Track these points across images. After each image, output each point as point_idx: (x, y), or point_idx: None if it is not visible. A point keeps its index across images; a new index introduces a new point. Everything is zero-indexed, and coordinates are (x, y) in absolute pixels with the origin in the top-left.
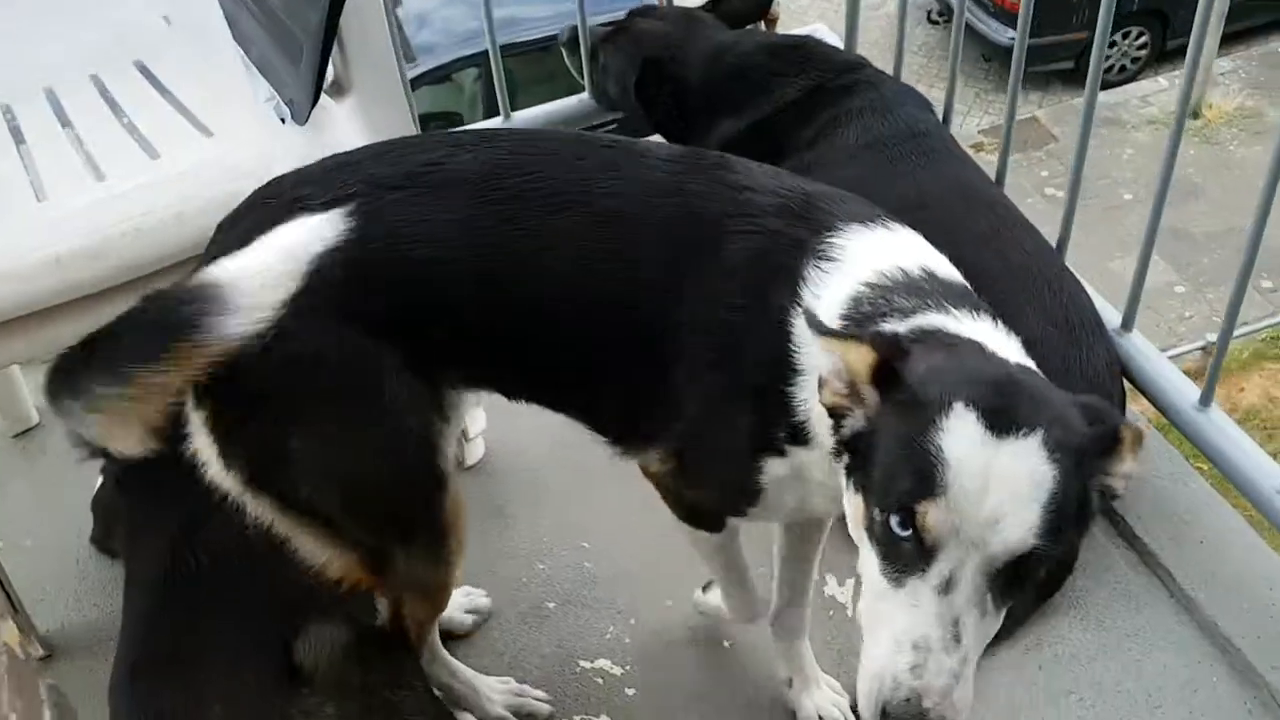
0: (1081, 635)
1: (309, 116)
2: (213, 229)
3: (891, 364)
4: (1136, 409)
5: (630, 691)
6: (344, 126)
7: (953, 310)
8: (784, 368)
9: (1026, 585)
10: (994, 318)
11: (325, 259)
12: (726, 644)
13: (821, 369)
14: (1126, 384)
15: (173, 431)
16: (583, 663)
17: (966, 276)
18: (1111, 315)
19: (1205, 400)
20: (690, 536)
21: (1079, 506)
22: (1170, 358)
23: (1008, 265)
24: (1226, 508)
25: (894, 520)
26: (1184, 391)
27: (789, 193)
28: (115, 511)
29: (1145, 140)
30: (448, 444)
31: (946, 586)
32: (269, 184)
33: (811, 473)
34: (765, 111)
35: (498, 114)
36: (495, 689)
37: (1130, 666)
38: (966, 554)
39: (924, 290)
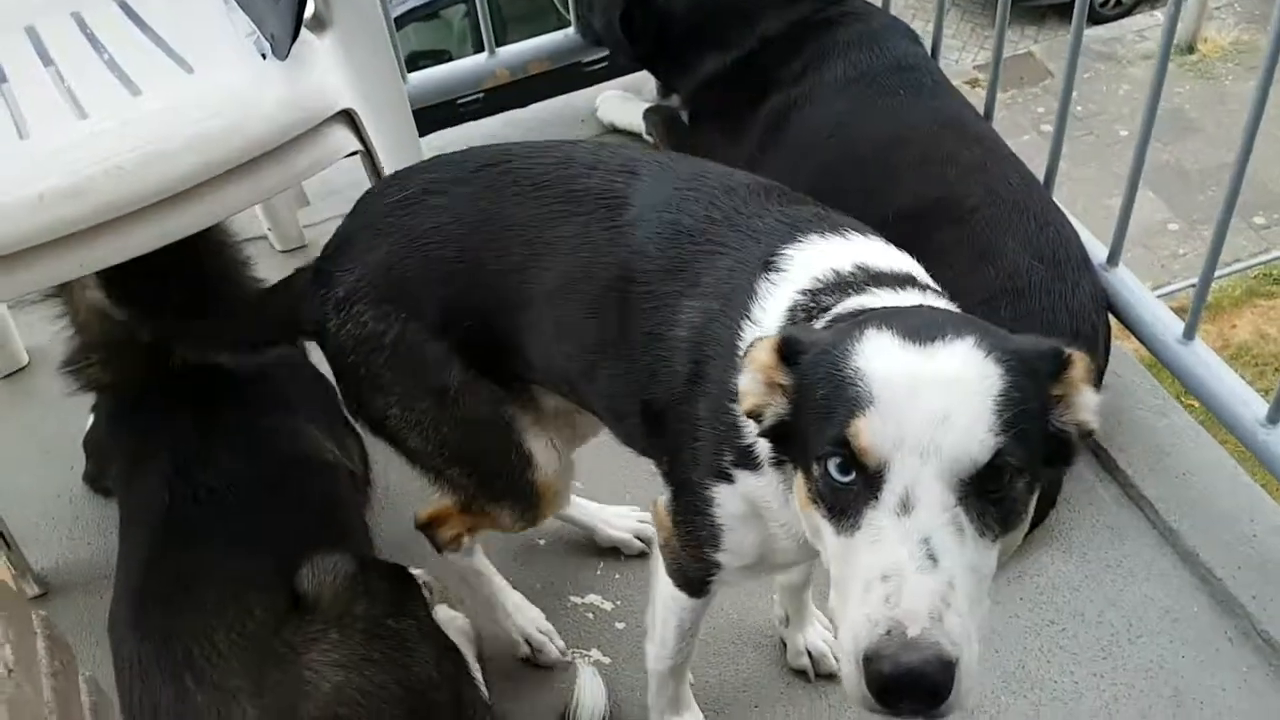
0: (1064, 566)
1: (289, 51)
2: (198, 165)
3: (793, 337)
4: (1123, 344)
5: (620, 625)
6: (325, 62)
7: (874, 291)
8: (732, 385)
9: (1006, 502)
10: (924, 291)
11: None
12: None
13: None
14: (1112, 319)
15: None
16: (573, 598)
17: (952, 209)
18: (1098, 250)
19: (1189, 334)
20: (666, 595)
21: (1053, 436)
22: (1162, 295)
23: (995, 198)
24: (1209, 440)
25: (832, 466)
26: (1168, 325)
27: (768, 210)
28: (107, 450)
29: (1141, 75)
30: (536, 426)
31: (904, 506)
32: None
33: (769, 505)
34: (751, 45)
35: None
36: (524, 611)
37: (1112, 597)
38: (920, 464)
39: (850, 283)
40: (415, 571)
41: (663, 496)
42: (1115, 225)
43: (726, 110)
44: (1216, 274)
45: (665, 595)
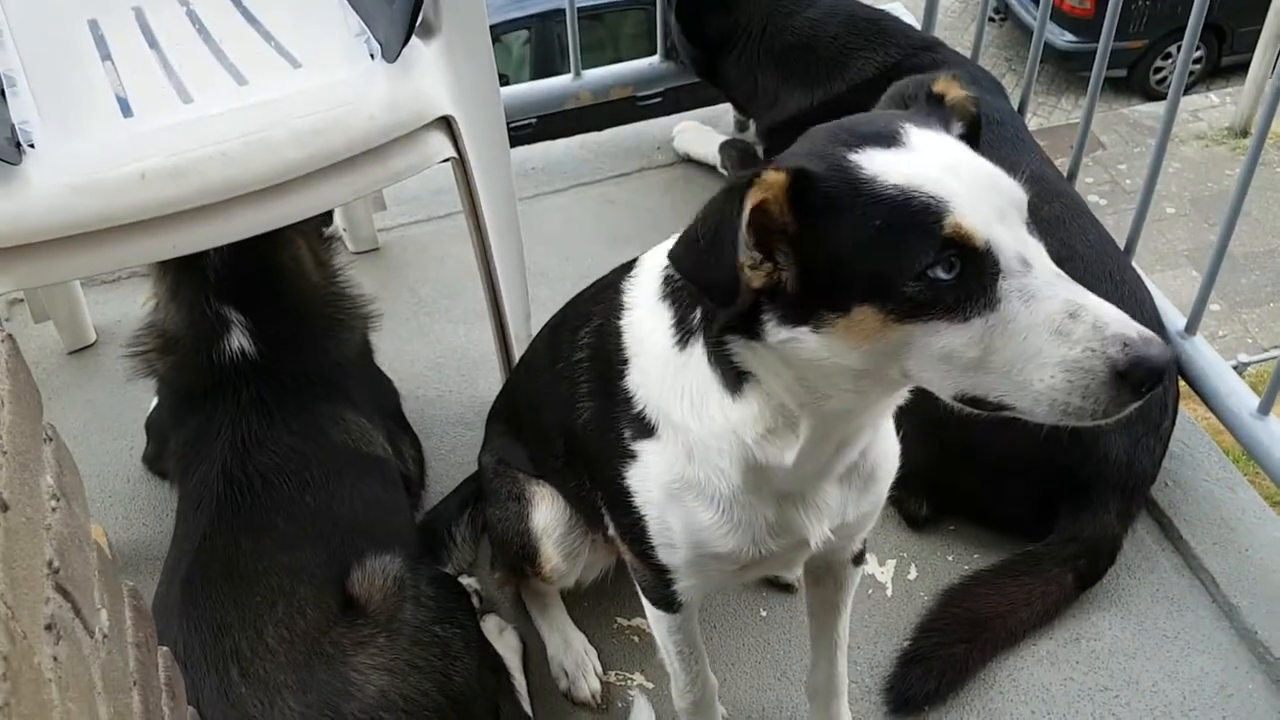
0: (1120, 633)
1: (399, 55)
2: (300, 158)
3: (805, 172)
4: (1188, 410)
5: None
6: (429, 68)
7: None
8: (616, 360)
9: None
10: None
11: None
12: (763, 613)
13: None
14: (1183, 386)
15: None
16: (620, 619)
17: None
18: (1176, 318)
19: (1264, 409)
20: (651, 616)
21: None
22: None
23: (1072, 252)
24: (1274, 518)
25: (938, 271)
26: (1243, 398)
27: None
28: (168, 433)
29: (1192, 155)
30: (543, 519)
31: (1025, 262)
32: None
33: (682, 474)
34: (839, 89)
35: (547, 76)
36: (574, 646)
37: (1168, 668)
38: (1004, 226)
39: None
40: (464, 580)
41: (609, 524)
42: (1196, 295)
43: None
44: (1265, 356)
45: (652, 620)
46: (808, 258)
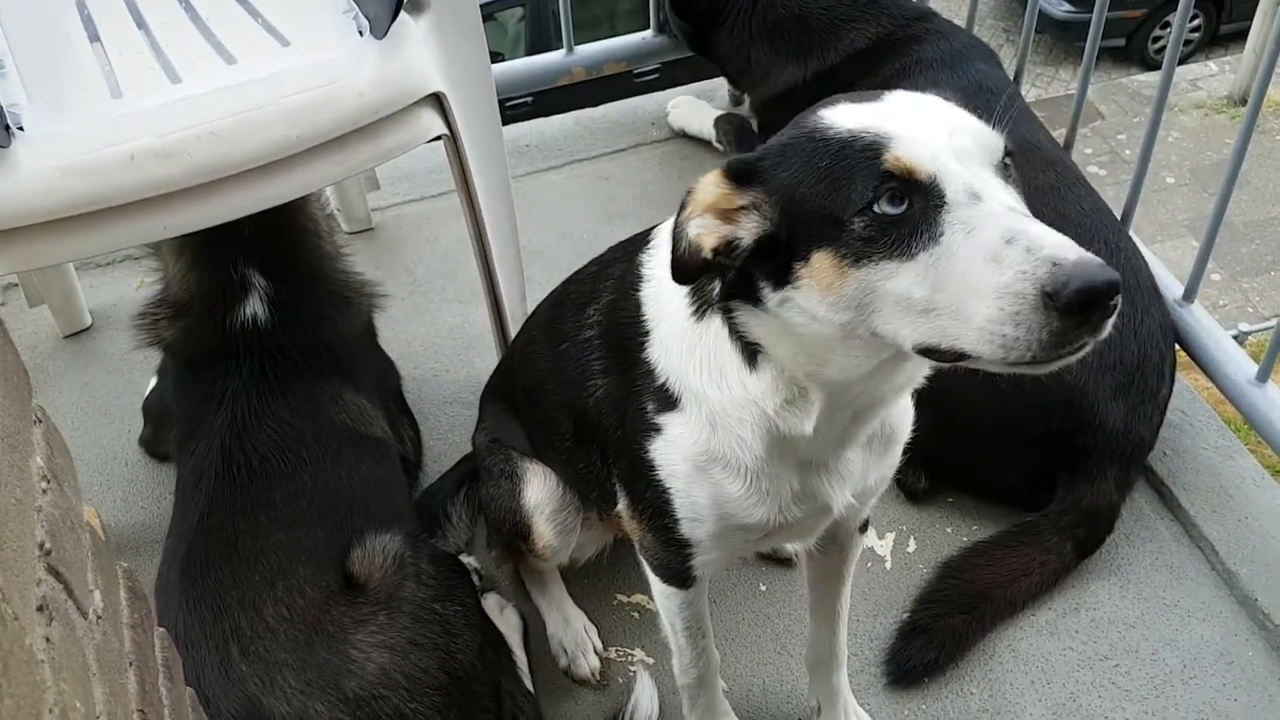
0: (1120, 602)
1: (387, 32)
2: (290, 137)
3: (739, 158)
4: (1188, 380)
5: None
6: (419, 44)
7: None
8: (636, 331)
9: (1018, 191)
10: None
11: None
12: (763, 587)
13: (689, 233)
14: (1181, 354)
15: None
16: (620, 596)
17: None
18: (1174, 286)
19: (1263, 376)
20: (659, 593)
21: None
22: None
23: (1066, 220)
24: (1273, 485)
25: (884, 203)
26: (1242, 365)
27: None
28: (165, 415)
29: (1191, 124)
30: (535, 495)
31: (974, 196)
32: None
33: (707, 447)
34: (832, 61)
35: (541, 52)
36: (573, 624)
37: (1168, 636)
38: (961, 165)
39: None
40: (465, 559)
41: (621, 502)
42: (1194, 262)
43: None
44: (1266, 325)
45: (660, 597)
46: (774, 215)
